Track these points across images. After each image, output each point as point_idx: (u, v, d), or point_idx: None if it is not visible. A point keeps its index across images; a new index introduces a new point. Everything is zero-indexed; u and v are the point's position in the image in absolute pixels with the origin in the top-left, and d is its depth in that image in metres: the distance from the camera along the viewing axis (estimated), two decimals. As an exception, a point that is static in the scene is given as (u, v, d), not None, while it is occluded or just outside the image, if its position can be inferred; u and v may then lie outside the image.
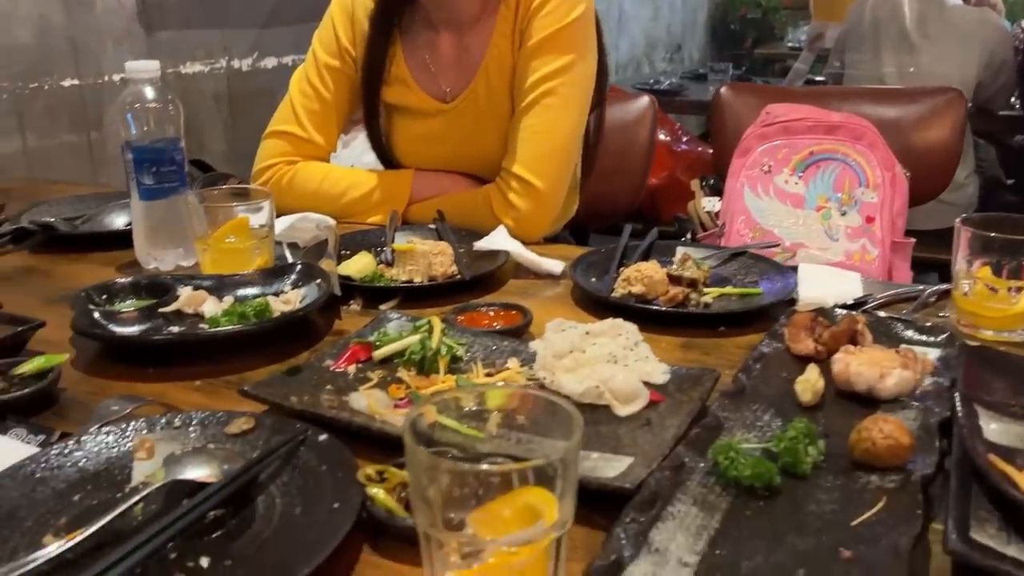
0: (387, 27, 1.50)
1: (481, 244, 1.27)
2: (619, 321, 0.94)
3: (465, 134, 1.51)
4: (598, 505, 0.67)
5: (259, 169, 1.55)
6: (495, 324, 1.03)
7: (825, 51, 3.99)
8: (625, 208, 2.08)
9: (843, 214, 2.04)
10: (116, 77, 2.15)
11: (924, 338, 0.97)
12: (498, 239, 1.27)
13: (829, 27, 4.00)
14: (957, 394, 0.76)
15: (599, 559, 0.58)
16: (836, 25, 3.77)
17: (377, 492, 0.66)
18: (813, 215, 2.06)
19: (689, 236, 2.34)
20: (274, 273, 1.13)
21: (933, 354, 0.94)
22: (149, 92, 1.21)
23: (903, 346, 0.90)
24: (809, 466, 0.71)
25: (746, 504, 0.68)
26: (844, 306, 1.09)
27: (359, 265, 1.17)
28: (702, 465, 0.71)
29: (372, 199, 1.49)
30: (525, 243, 1.31)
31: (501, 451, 0.66)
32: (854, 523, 0.65)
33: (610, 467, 0.71)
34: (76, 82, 2.05)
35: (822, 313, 1.00)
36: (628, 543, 0.61)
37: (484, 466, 0.56)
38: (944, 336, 0.96)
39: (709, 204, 2.35)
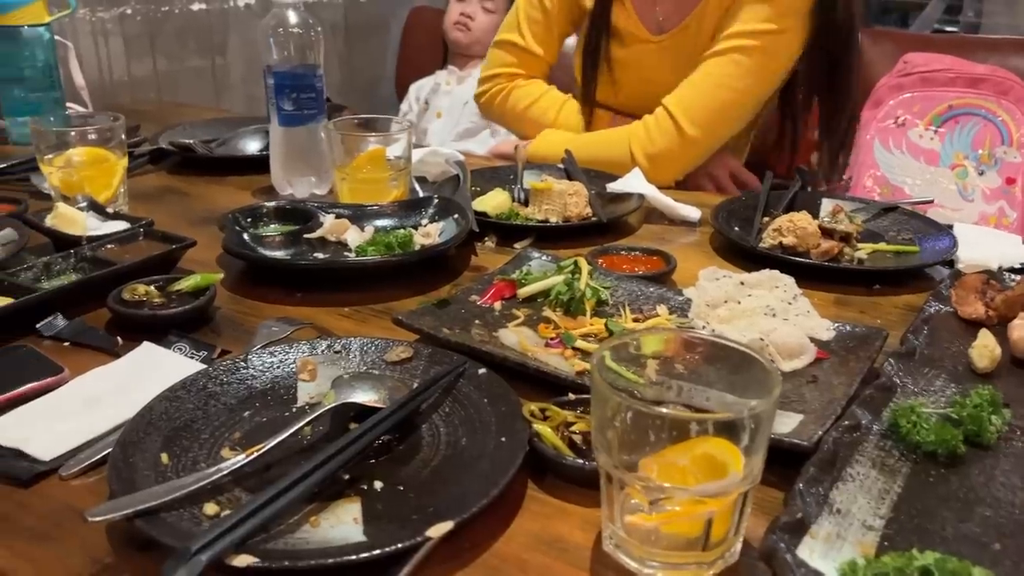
0: None
1: (615, 186, 1.24)
2: (776, 273, 0.90)
3: (659, 70, 1.46)
4: (770, 461, 0.64)
5: (484, 77, 1.60)
6: (636, 269, 1.00)
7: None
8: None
9: (981, 174, 1.92)
10: (241, 3, 2.17)
11: (1105, 309, 0.90)
12: (633, 182, 1.24)
13: (965, -27, 3.73)
14: None
15: (784, 516, 0.56)
16: (971, -29, 3.52)
17: (544, 429, 0.65)
18: (947, 173, 1.95)
19: (810, 190, 2.24)
20: (411, 206, 1.13)
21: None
22: (292, 17, 1.20)
23: (1092, 317, 0.84)
24: (994, 436, 0.67)
25: (927, 471, 0.64)
26: (1011, 270, 1.02)
27: (495, 202, 1.15)
28: (877, 427, 0.68)
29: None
30: (655, 184, 1.27)
31: (664, 399, 0.65)
32: (1051, 500, 0.61)
33: (780, 423, 0.69)
34: (204, 6, 2.07)
35: (992, 276, 0.93)
36: (811, 501, 0.58)
37: (680, 412, 0.54)
38: None
39: (834, 157, 2.24)
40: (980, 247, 1.09)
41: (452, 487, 0.61)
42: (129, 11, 1.90)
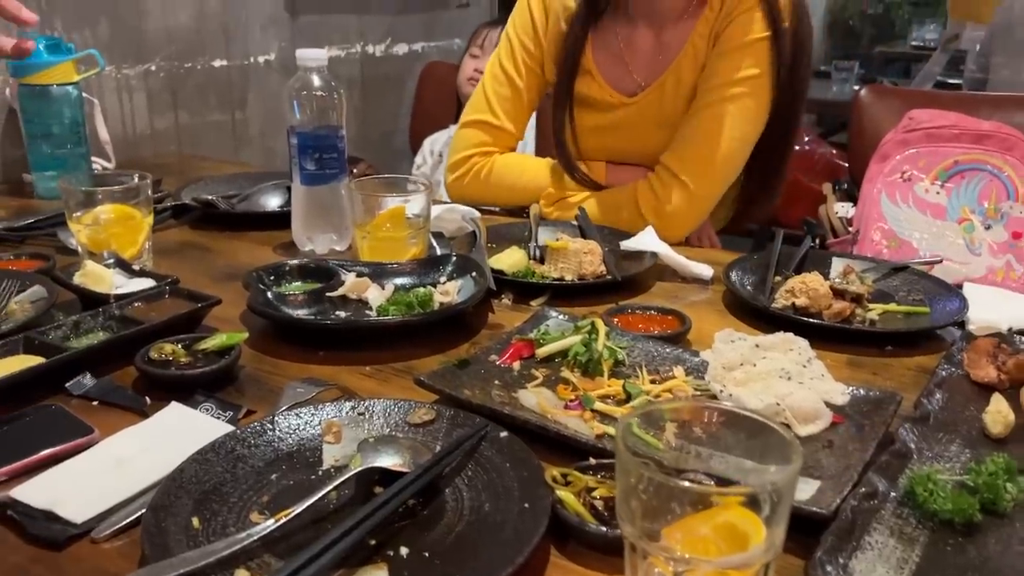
0: (591, 16, 1.49)
1: (628, 244, 1.27)
2: (790, 336, 0.91)
3: (642, 130, 1.49)
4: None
5: (457, 160, 1.57)
6: (652, 328, 1.02)
7: (960, 53, 3.79)
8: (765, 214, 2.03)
9: (987, 228, 1.94)
10: (261, 59, 2.23)
11: (1116, 372, 0.91)
12: (646, 239, 1.26)
13: (967, 28, 3.80)
14: None
15: (805, 586, 0.57)
16: (974, 26, 3.58)
17: (567, 495, 0.66)
18: (954, 227, 1.97)
19: (818, 242, 2.26)
20: (430, 263, 1.15)
21: None
22: (316, 80, 1.24)
23: (1104, 382, 0.85)
24: (1010, 504, 0.68)
25: (945, 539, 0.65)
26: (1021, 332, 1.04)
27: (512, 260, 1.18)
28: (894, 494, 0.69)
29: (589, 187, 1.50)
30: (666, 242, 1.30)
31: (682, 465, 0.66)
32: (1069, 570, 0.62)
33: (798, 490, 0.70)
34: (225, 63, 2.13)
35: (1003, 339, 0.95)
36: (832, 571, 0.59)
37: (702, 485, 0.55)
38: None
39: (842, 210, 2.26)
40: (990, 308, 1.11)
41: (477, 554, 0.62)
42: (153, 67, 1.96)
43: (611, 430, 0.78)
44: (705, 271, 1.22)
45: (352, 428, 0.77)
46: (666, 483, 0.55)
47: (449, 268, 1.13)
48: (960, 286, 1.18)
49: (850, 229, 2.11)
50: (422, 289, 1.05)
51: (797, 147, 3.46)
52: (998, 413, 0.80)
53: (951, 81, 3.92)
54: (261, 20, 2.21)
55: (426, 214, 1.22)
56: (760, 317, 1.08)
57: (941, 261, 1.54)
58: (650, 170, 1.45)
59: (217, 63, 2.10)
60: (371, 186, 1.23)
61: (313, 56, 1.23)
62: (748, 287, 1.14)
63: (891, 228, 2.00)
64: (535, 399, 0.83)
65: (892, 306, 1.10)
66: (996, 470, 0.69)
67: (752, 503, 0.56)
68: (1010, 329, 1.03)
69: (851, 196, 2.30)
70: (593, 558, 0.64)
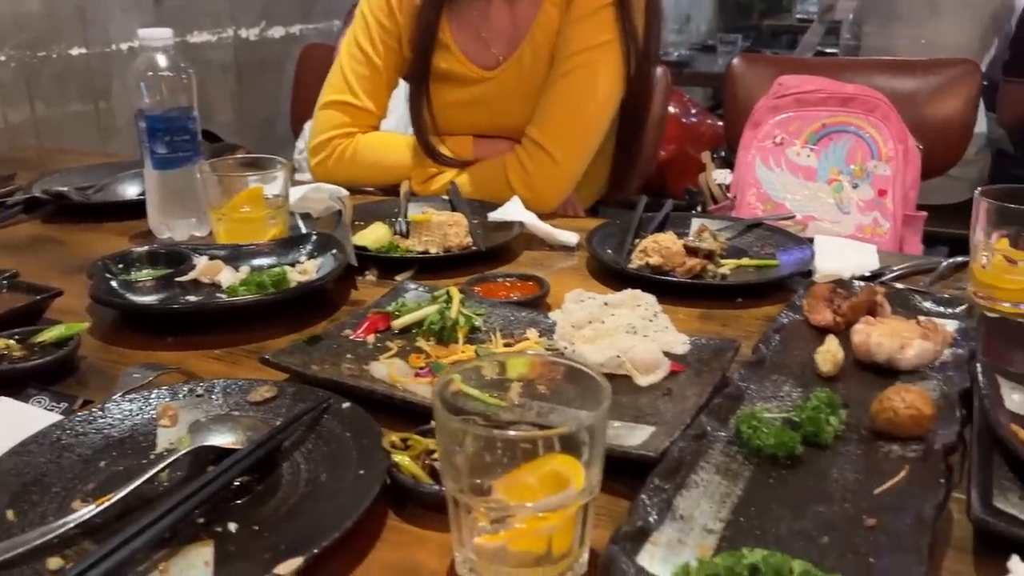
0: None
1: (495, 215, 1.27)
2: (638, 292, 0.94)
3: (505, 102, 1.49)
4: (620, 473, 0.67)
5: (318, 143, 1.53)
6: (512, 295, 1.03)
7: (836, 23, 3.94)
8: (642, 181, 2.07)
9: (855, 187, 2.03)
10: (124, 46, 2.13)
11: (942, 310, 0.97)
12: (512, 210, 1.27)
13: (841, -1, 3.95)
14: (979, 365, 0.76)
15: (625, 525, 0.58)
16: (848, -4, 3.72)
17: (402, 459, 0.66)
18: (825, 188, 2.05)
19: (700, 208, 2.32)
20: (289, 243, 1.13)
21: (951, 325, 0.93)
22: (162, 60, 1.20)
23: (923, 317, 0.90)
24: (831, 435, 0.71)
25: (768, 473, 0.68)
26: (861, 278, 1.09)
27: (375, 236, 1.17)
28: (724, 434, 0.72)
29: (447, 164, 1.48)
30: (538, 213, 1.31)
31: (524, 420, 0.67)
32: (877, 491, 0.65)
33: (632, 435, 0.72)
34: (84, 51, 2.03)
35: (840, 284, 0.99)
36: (653, 510, 0.61)
37: (513, 432, 0.56)
38: (962, 308, 0.96)
39: (720, 176, 2.33)
40: (837, 257, 1.16)
41: (308, 523, 0.61)
42: (3, 57, 1.85)
43: (465, 387, 0.78)
44: (571, 238, 1.24)
45: (189, 411, 0.75)
46: (480, 435, 0.56)
47: (309, 247, 1.12)
48: (811, 240, 1.23)
49: (728, 195, 2.17)
50: (276, 269, 1.03)
51: (684, 120, 3.55)
52: (827, 352, 0.84)
53: (828, 50, 4.07)
54: (122, 4, 2.12)
55: (285, 193, 1.19)
56: (619, 278, 1.10)
57: (794, 217, 1.59)
58: (516, 142, 1.45)
59: (75, 51, 2.00)
60: (225, 167, 1.19)
61: (158, 36, 1.19)
62: (609, 251, 1.16)
63: (766, 191, 2.07)
64: (386, 369, 0.83)
65: (744, 260, 1.14)
66: (819, 404, 0.72)
67: (573, 448, 0.57)
68: (852, 276, 1.08)
69: (729, 163, 2.36)
70: (430, 518, 0.64)
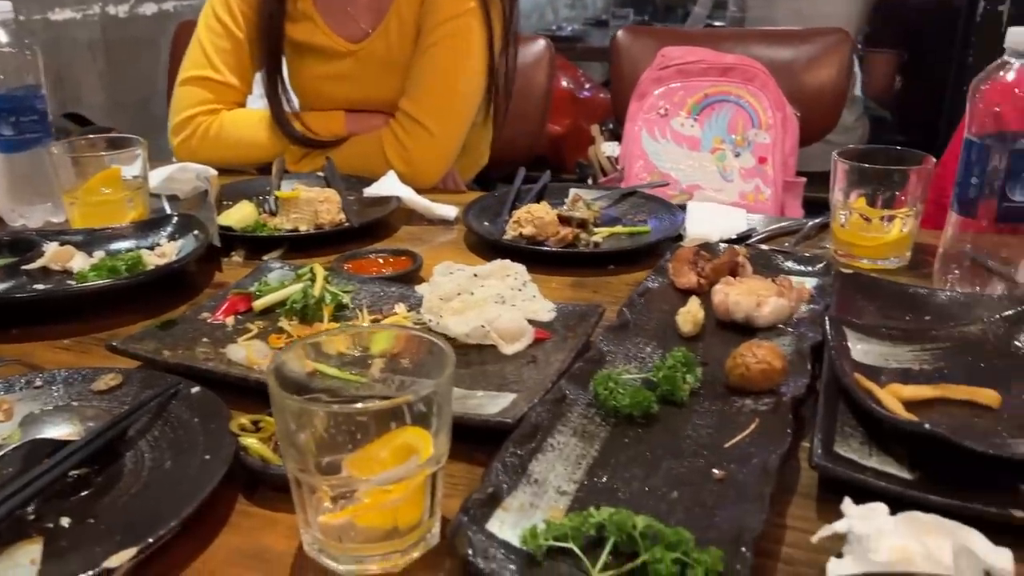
0: None
1: (371, 190, 1.24)
2: (507, 262, 0.93)
3: (374, 75, 1.45)
4: (481, 442, 0.66)
5: (179, 121, 1.45)
6: (384, 270, 1.01)
7: (724, -5, 4.03)
8: (525, 153, 2.06)
9: (737, 155, 2.08)
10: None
11: (802, 268, 1.00)
12: (388, 185, 1.25)
13: (728, -29, 4.03)
14: (827, 318, 0.78)
15: (476, 492, 0.58)
16: (733, -31, 3.80)
17: (251, 441, 0.64)
18: (708, 157, 2.10)
19: (590, 181, 2.34)
20: (149, 225, 1.08)
21: (811, 283, 0.97)
22: (2, 36, 1.12)
23: (780, 276, 0.92)
24: (686, 393, 0.73)
25: (625, 432, 0.69)
26: (729, 241, 1.11)
27: (240, 215, 1.13)
28: (584, 397, 0.72)
29: (308, 142, 1.43)
30: (419, 189, 1.29)
31: (380, 395, 0.66)
32: (727, 445, 0.67)
33: (494, 404, 0.71)
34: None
35: (705, 247, 1.01)
36: (507, 475, 0.61)
37: (351, 406, 0.55)
38: (821, 265, 1.00)
39: (609, 149, 2.36)
40: (706, 222, 1.19)
41: (146, 513, 0.58)
42: None
43: (324, 368, 0.76)
44: (449, 212, 1.22)
45: (26, 403, 0.70)
46: (318, 411, 0.54)
47: (170, 229, 1.07)
48: (683, 206, 1.25)
49: (617, 167, 2.20)
50: (132, 252, 0.98)
51: (579, 95, 3.57)
52: (688, 313, 0.85)
53: (717, 23, 4.16)
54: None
55: (144, 174, 1.14)
56: (495, 250, 1.09)
57: (667, 184, 1.62)
58: (390, 116, 1.42)
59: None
60: (80, 147, 1.13)
61: (-7, 8, 1.11)
62: (485, 223, 1.16)
63: (652, 162, 2.10)
64: (244, 352, 0.80)
65: (617, 228, 1.15)
66: (675, 364, 0.74)
67: (422, 419, 0.56)
68: (720, 239, 1.11)
69: (617, 136, 2.39)
70: (282, 501, 0.62)
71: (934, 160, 1.04)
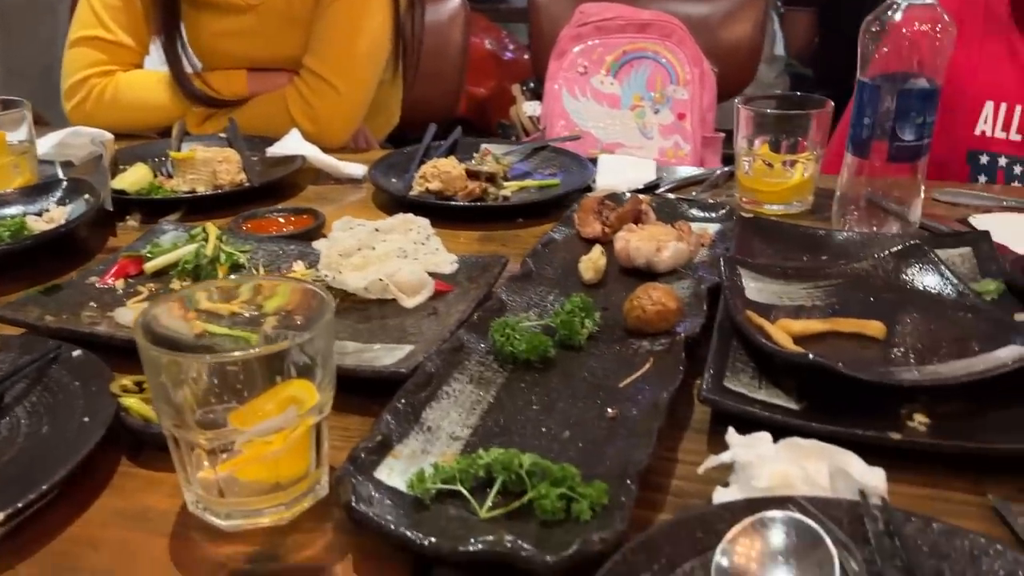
0: None
1: (273, 150, 1.21)
2: (409, 216, 0.92)
3: (276, 31, 1.40)
4: (378, 394, 0.65)
5: (71, 85, 1.38)
6: (285, 229, 0.99)
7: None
8: (444, 113, 2.03)
9: (656, 112, 2.09)
10: None
11: (706, 214, 1.01)
12: (291, 143, 1.21)
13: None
14: (722, 259, 0.79)
15: (364, 440, 0.57)
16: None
17: (131, 402, 0.62)
18: (628, 114, 2.10)
19: (514, 139, 2.33)
20: (37, 191, 1.03)
21: (714, 228, 0.98)
22: None
23: (679, 221, 0.93)
24: (584, 337, 0.73)
25: (522, 377, 0.69)
26: (637, 191, 1.12)
27: (134, 178, 1.08)
28: (482, 346, 0.71)
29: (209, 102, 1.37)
30: (328, 148, 1.26)
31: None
32: (622, 385, 0.67)
33: (390, 356, 0.70)
34: None
35: (611, 197, 1.01)
36: (398, 423, 0.60)
37: (223, 356, 0.53)
38: (723, 211, 1.01)
39: (530, 108, 2.35)
40: (616, 174, 1.19)
41: (20, 479, 0.56)
42: None
43: (212, 328, 0.74)
44: (356, 170, 1.20)
45: None
46: (179, 361, 0.52)
47: (59, 193, 1.02)
48: (595, 159, 1.25)
49: (540, 127, 2.19)
50: (14, 218, 0.93)
51: (503, 56, 3.53)
52: (589, 261, 0.85)
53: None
54: None
55: (31, 138, 1.08)
56: (403, 206, 1.07)
57: (579, 138, 1.62)
58: (295, 74, 1.38)
59: None
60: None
61: None
62: (393, 180, 1.14)
63: (574, 121, 2.10)
64: (132, 315, 0.77)
65: (527, 182, 1.14)
66: (573, 309, 0.74)
67: (306, 371, 0.55)
68: (627, 190, 1.11)
69: (539, 95, 2.38)
70: (165, 461, 0.60)
71: (833, 104, 1.06)
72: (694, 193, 1.15)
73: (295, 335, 0.55)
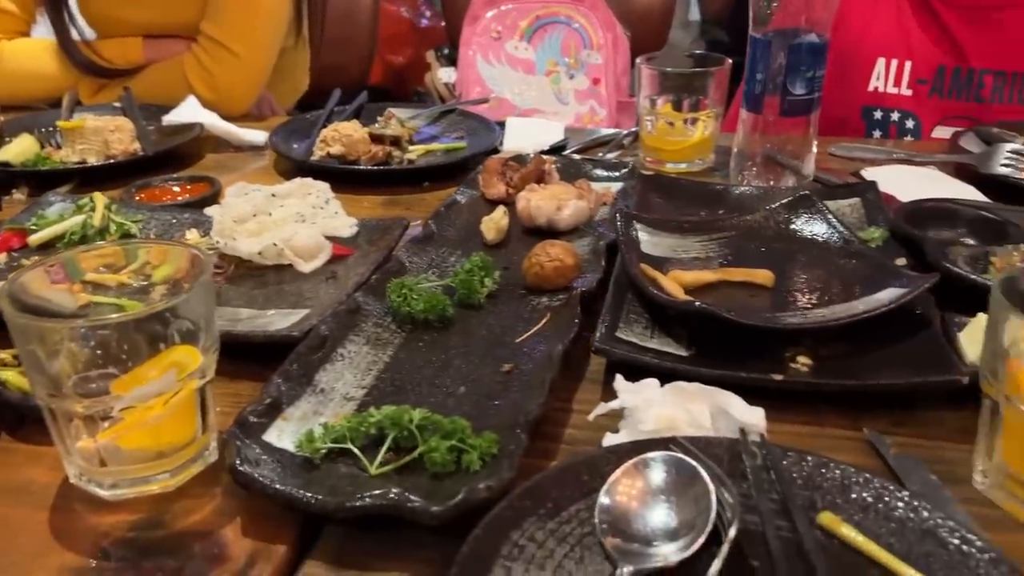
0: None
1: (170, 118, 1.17)
2: (308, 180, 0.90)
3: None
4: (272, 360, 0.64)
5: None
6: (180, 198, 0.96)
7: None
8: (356, 80, 2.00)
9: (571, 77, 2.10)
10: None
11: (609, 174, 1.02)
12: (188, 111, 1.17)
13: None
14: (618, 214, 0.80)
15: (253, 403, 0.56)
16: None
17: (8, 375, 0.60)
18: (544, 80, 2.10)
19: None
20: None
21: (617, 187, 0.99)
22: None
23: (580, 180, 0.94)
24: (483, 296, 0.73)
25: (420, 337, 0.69)
26: (543, 152, 1.12)
27: (19, 149, 1.04)
28: (380, 307, 0.71)
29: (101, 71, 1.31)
30: (230, 116, 1.22)
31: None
32: (518, 340, 0.68)
33: (285, 320, 0.69)
34: None
35: (515, 158, 1.01)
36: (289, 385, 0.59)
37: (95, 320, 0.51)
38: (626, 170, 1.02)
39: (446, 75, 2.33)
40: (524, 137, 1.19)
41: None
42: None
43: (97, 298, 0.72)
44: (258, 137, 1.17)
45: None
46: (66, 328, 0.50)
47: (-66, 168, 0.97)
48: (502, 122, 1.24)
49: (455, 93, 2.17)
50: None
51: (418, 24, 3.48)
52: (491, 221, 0.85)
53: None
54: None
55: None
56: (304, 172, 1.05)
57: (487, 101, 1.62)
58: (192, 41, 1.33)
59: None
60: None
61: None
62: (295, 145, 1.11)
63: (489, 87, 2.09)
64: (15, 288, 0.74)
65: (433, 145, 1.13)
66: (472, 268, 0.74)
67: (190, 337, 0.54)
68: (534, 152, 1.11)
69: (453, 61, 2.36)
70: (47, 433, 0.58)
71: (730, 62, 1.08)
72: (601, 154, 1.16)
73: (171, 299, 0.54)
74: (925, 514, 0.47)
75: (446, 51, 2.47)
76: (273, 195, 0.87)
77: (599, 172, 1.03)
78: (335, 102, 1.24)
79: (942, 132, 1.19)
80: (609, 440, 0.55)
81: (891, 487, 0.49)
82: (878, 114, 1.24)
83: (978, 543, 0.45)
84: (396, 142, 1.08)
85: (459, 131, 1.20)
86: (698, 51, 3.20)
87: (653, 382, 0.58)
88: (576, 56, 2.08)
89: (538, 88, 2.09)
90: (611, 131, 1.25)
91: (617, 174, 1.02)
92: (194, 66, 1.30)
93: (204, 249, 0.77)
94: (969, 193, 0.97)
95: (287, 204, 0.87)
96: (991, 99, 1.15)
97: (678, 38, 3.09)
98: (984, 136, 1.09)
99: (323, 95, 1.90)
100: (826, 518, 0.48)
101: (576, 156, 1.11)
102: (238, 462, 0.50)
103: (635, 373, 0.60)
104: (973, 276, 0.70)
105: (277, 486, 0.49)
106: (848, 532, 0.47)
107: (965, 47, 1.14)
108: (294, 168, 1.08)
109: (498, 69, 2.09)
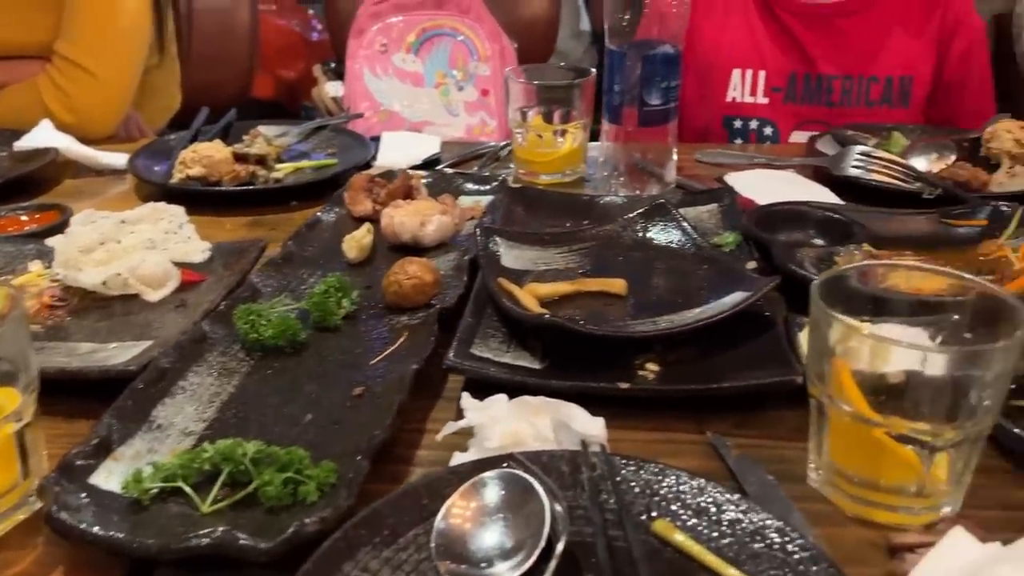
0: None
1: (22, 143, 1.11)
2: (160, 205, 0.87)
3: (19, 14, 1.27)
4: (112, 397, 0.61)
5: None
6: (27, 228, 0.91)
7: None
8: (237, 97, 1.95)
9: (460, 89, 2.10)
10: None
11: (479, 188, 1.02)
12: (42, 135, 1.12)
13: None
14: (478, 229, 0.80)
15: (79, 445, 0.54)
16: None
17: None
18: (433, 92, 2.10)
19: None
20: None
21: (487, 201, 0.99)
22: None
23: (443, 195, 0.94)
24: (339, 317, 0.72)
25: (270, 364, 0.67)
26: (417, 167, 1.11)
27: None
28: (228, 335, 0.69)
29: None
30: (92, 140, 1.17)
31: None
32: (372, 362, 0.67)
33: (125, 354, 0.66)
34: None
35: (383, 174, 1.00)
36: (122, 423, 0.57)
37: None
38: (496, 184, 1.02)
39: (333, 89, 2.29)
40: (399, 150, 1.18)
41: None
42: None
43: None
44: (118, 160, 1.12)
45: None
46: None
47: None
48: (376, 138, 1.23)
49: (344, 107, 2.14)
50: None
51: (310, 38, 3.43)
52: (352, 239, 0.84)
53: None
54: None
55: None
56: (168, 196, 1.01)
57: (362, 115, 1.61)
58: (47, 61, 1.27)
59: None
60: None
61: None
62: (156, 168, 1.07)
63: (378, 101, 2.07)
64: None
65: (302, 163, 1.11)
66: (327, 289, 0.72)
67: (9, 379, 0.51)
68: (409, 166, 1.10)
69: (340, 75, 2.33)
70: None
71: (595, 72, 1.09)
72: (476, 167, 1.16)
73: None
74: (754, 516, 0.49)
75: (333, 65, 2.43)
76: (123, 222, 0.83)
77: (470, 186, 1.03)
78: (201, 121, 1.20)
79: (799, 137, 1.24)
80: (456, 459, 0.55)
81: (724, 491, 0.50)
82: (738, 123, 1.28)
83: (800, 541, 0.47)
84: (261, 161, 1.05)
85: (331, 147, 1.18)
86: (566, 64, 3.26)
87: (502, 398, 0.58)
88: (464, 68, 2.08)
89: (428, 100, 2.08)
90: (491, 144, 1.26)
91: (487, 188, 1.02)
92: (50, 88, 1.24)
93: (34, 282, 0.75)
94: (823, 195, 1.01)
95: (138, 230, 0.83)
96: (841, 103, 1.20)
97: (569, 48, 3.13)
98: (840, 139, 1.15)
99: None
100: (660, 525, 0.49)
101: (449, 170, 1.10)
102: (55, 509, 0.48)
103: (487, 389, 0.60)
104: (813, 276, 0.73)
105: (97, 531, 0.47)
106: (680, 538, 0.48)
107: (813, 54, 1.19)
108: (156, 192, 1.04)
109: (386, 82, 2.07)
